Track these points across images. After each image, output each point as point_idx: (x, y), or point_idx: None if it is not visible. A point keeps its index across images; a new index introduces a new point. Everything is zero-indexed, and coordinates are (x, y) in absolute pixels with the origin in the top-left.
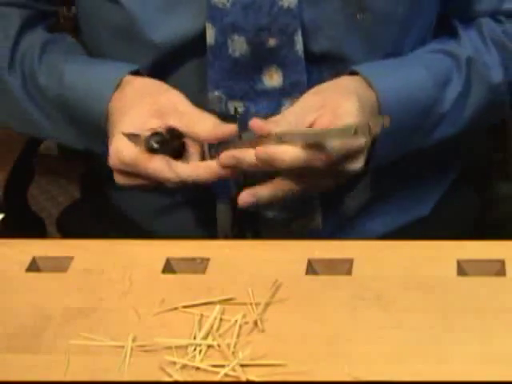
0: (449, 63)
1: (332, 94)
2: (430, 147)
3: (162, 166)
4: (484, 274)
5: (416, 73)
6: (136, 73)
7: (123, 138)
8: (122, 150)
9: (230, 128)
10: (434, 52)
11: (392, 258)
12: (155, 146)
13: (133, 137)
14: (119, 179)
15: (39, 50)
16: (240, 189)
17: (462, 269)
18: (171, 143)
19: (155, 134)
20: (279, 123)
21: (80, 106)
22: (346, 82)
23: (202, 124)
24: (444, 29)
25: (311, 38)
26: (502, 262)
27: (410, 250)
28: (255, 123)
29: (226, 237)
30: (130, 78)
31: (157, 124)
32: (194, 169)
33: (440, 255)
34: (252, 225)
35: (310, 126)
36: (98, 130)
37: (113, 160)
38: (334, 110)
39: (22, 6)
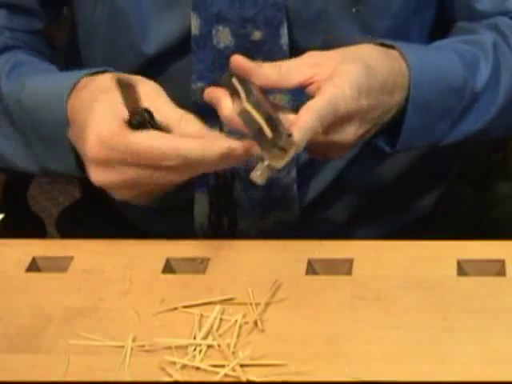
0: (475, 50)
1: (333, 56)
2: (449, 144)
3: (152, 136)
4: (484, 274)
5: (446, 55)
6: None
7: (101, 114)
8: (100, 124)
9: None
10: (459, 42)
11: (392, 258)
12: (137, 120)
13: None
14: (98, 174)
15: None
16: (216, 178)
17: (462, 269)
18: (155, 124)
19: (136, 112)
20: (263, 69)
21: (39, 111)
22: (357, 49)
23: (189, 126)
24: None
25: (300, 31)
26: (502, 262)
27: (410, 250)
28: (236, 60)
29: (202, 226)
30: (93, 77)
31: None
32: (202, 143)
33: (440, 255)
34: (228, 214)
35: (309, 79)
36: (55, 141)
37: (91, 144)
38: (333, 68)
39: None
